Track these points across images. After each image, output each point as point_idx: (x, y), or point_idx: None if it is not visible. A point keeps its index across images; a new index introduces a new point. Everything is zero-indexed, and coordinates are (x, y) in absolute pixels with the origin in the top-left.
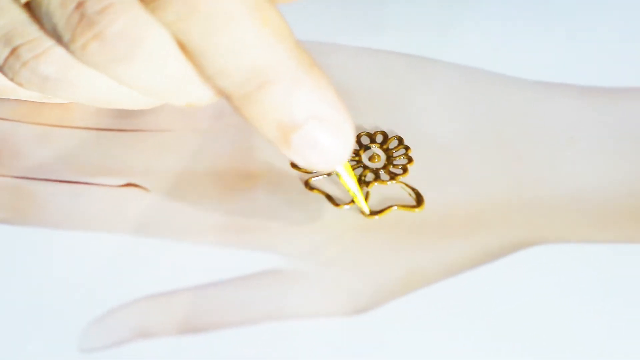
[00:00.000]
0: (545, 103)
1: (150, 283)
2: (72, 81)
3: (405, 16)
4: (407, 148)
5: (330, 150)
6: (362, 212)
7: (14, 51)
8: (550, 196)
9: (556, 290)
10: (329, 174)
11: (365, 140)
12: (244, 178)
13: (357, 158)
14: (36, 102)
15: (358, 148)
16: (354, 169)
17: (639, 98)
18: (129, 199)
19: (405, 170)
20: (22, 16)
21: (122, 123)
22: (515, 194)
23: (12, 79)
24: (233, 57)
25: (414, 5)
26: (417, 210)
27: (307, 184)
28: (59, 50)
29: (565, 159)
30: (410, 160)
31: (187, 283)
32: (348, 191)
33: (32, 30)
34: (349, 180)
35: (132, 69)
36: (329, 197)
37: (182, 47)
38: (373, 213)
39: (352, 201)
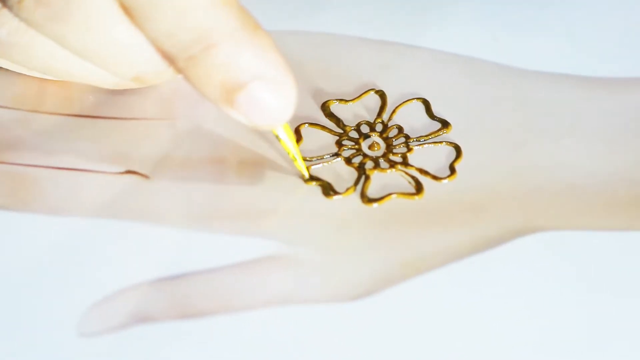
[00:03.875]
0: (545, 93)
1: (149, 268)
2: (25, 46)
3: (404, 4)
4: (407, 137)
5: (272, 109)
6: (302, 177)
7: None
8: (549, 184)
9: (555, 278)
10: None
11: (365, 129)
12: (244, 165)
13: (356, 146)
14: (35, 90)
15: (357, 136)
16: (353, 157)
17: (638, 88)
18: (129, 186)
19: (404, 158)
20: None
21: (121, 111)
22: (514, 182)
23: None
24: (178, 18)
25: None
26: (416, 198)
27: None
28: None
29: (565, 148)
30: (409, 149)
31: (187, 269)
32: (288, 153)
33: None
34: (288, 141)
35: (69, 29)
36: (328, 186)
37: (125, 8)
38: (372, 201)
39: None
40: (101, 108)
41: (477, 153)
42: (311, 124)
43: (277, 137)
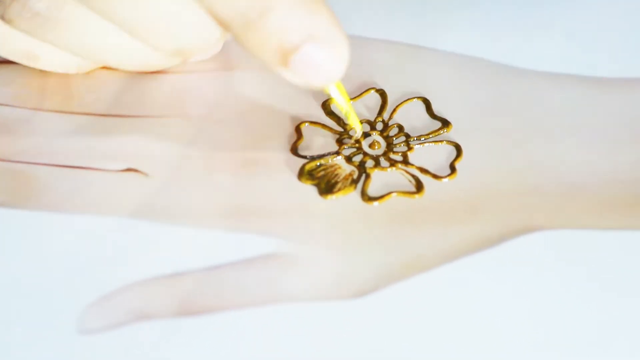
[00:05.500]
0: (546, 92)
1: (148, 266)
2: (62, 21)
3: (405, 4)
4: (407, 136)
5: (326, 67)
6: (355, 133)
7: None
8: (550, 184)
9: (555, 278)
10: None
11: (365, 128)
12: (244, 163)
13: (357, 145)
14: (37, 88)
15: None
16: (353, 156)
17: (638, 88)
18: (129, 184)
19: (405, 157)
20: None
21: (120, 109)
22: (515, 181)
23: (2, 16)
24: None
25: None
26: (417, 196)
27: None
28: None
29: (566, 147)
30: (410, 147)
31: (186, 266)
32: (340, 110)
33: None
34: (340, 99)
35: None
36: (327, 185)
37: None
38: (372, 199)
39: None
40: (106, 105)
41: (478, 152)
42: (312, 122)
43: (329, 95)
